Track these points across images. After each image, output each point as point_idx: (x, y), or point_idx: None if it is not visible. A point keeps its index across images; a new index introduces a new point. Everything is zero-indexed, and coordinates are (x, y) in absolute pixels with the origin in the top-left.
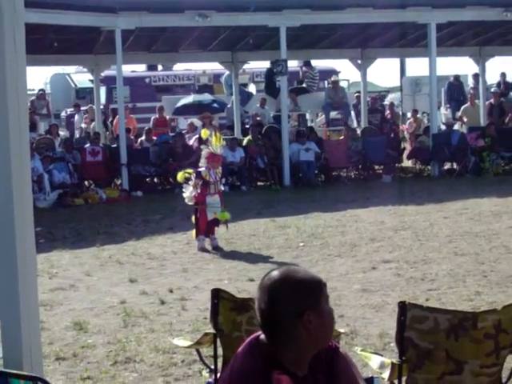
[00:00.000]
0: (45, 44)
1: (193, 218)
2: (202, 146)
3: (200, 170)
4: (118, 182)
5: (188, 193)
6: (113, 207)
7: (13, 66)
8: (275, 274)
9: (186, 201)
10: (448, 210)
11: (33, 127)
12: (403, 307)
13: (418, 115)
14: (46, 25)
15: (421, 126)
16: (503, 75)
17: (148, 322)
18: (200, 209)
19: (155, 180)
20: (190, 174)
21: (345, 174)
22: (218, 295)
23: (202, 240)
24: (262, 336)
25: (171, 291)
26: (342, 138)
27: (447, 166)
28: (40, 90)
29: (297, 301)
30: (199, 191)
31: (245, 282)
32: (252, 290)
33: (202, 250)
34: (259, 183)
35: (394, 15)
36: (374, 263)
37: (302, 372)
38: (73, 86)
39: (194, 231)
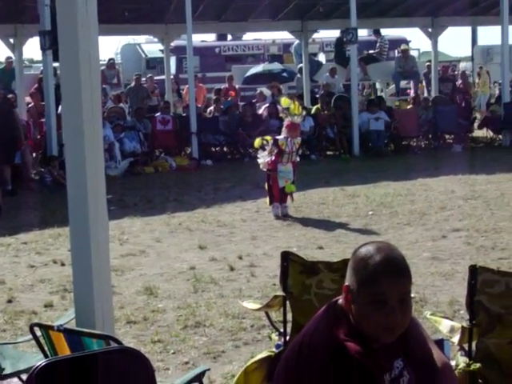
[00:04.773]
0: (115, 13)
1: (265, 185)
2: (282, 115)
3: (278, 137)
4: (188, 151)
5: (262, 159)
6: (183, 175)
7: (85, 31)
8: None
9: (261, 167)
10: None
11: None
12: (474, 271)
13: (491, 85)
14: None
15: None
16: None
17: (217, 288)
18: (272, 176)
19: (225, 149)
20: (267, 140)
21: (415, 144)
22: (287, 258)
23: (276, 207)
24: (340, 301)
25: (240, 258)
26: (410, 106)
27: None
28: (110, 60)
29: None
30: (273, 158)
31: (314, 250)
32: (321, 257)
33: (277, 217)
34: (328, 152)
35: None
36: (443, 232)
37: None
38: (143, 55)
39: (267, 199)
